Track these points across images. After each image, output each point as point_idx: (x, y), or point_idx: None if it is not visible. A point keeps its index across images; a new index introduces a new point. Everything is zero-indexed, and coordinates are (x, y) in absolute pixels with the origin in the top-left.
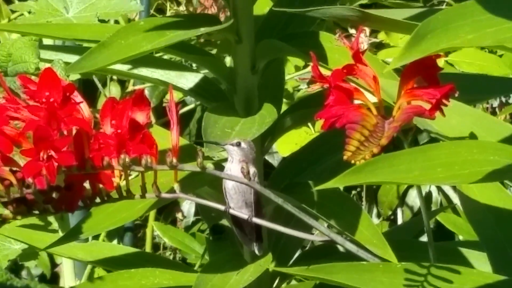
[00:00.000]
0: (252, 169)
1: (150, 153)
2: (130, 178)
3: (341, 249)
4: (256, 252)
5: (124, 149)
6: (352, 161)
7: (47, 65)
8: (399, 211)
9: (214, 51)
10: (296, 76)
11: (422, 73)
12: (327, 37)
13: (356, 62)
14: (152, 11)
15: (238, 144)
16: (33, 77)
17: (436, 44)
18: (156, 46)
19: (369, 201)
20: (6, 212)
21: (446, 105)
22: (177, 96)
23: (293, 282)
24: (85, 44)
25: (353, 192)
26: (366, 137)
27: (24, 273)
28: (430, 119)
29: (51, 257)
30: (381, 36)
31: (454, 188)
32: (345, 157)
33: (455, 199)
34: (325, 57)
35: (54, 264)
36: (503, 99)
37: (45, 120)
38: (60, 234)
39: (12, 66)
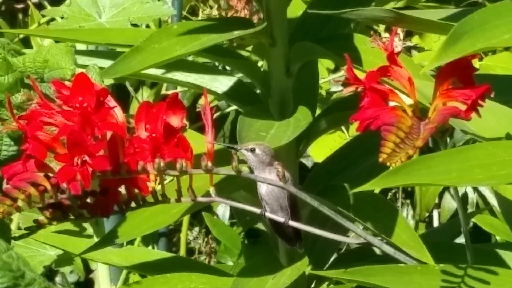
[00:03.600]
0: (286, 173)
1: (185, 157)
2: (165, 182)
3: (377, 251)
4: (298, 250)
5: (159, 153)
6: (388, 163)
7: (81, 70)
8: (435, 213)
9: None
10: (329, 79)
11: (458, 74)
12: (361, 39)
13: (390, 63)
14: (184, 13)
15: (253, 150)
16: (66, 82)
17: (472, 45)
18: (190, 50)
19: (405, 203)
20: (42, 217)
21: (481, 106)
22: (210, 99)
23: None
24: (118, 49)
25: (389, 194)
26: (401, 139)
27: (58, 279)
28: (466, 120)
29: (85, 263)
30: (415, 40)
31: (491, 189)
32: (380, 159)
33: (492, 200)
34: (359, 59)
35: (88, 270)
36: None
37: (79, 125)
38: (95, 239)
39: (48, 73)
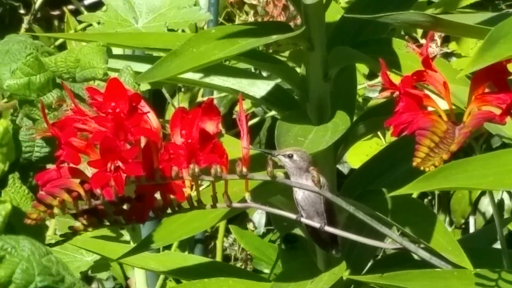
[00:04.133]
0: (322, 178)
1: (220, 162)
2: (201, 188)
3: (414, 257)
4: (335, 255)
5: (194, 159)
6: (422, 168)
7: (117, 74)
8: (471, 219)
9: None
10: (366, 84)
11: (493, 79)
12: (400, 44)
13: (426, 68)
14: (221, 20)
15: (290, 156)
16: (100, 87)
17: (509, 49)
18: (228, 54)
19: (441, 209)
20: (78, 224)
21: None
22: (246, 106)
23: None
24: (155, 54)
25: (425, 200)
26: (436, 143)
27: (94, 286)
28: (500, 124)
29: (123, 270)
30: (452, 46)
31: None
32: (414, 163)
33: None
34: (397, 63)
35: (125, 277)
36: None
37: (112, 130)
38: (132, 245)
39: (80, 72)
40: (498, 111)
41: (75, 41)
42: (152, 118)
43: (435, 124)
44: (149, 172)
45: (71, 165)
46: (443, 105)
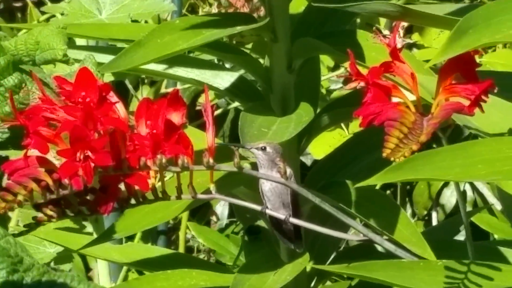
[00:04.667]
0: (288, 169)
1: (186, 153)
2: (165, 179)
3: (378, 249)
4: (296, 250)
5: (160, 150)
6: (392, 158)
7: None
8: (433, 211)
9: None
10: (330, 76)
11: (461, 70)
12: (364, 35)
13: (393, 59)
14: (184, 11)
15: (263, 149)
16: (65, 70)
17: (477, 39)
18: (192, 45)
19: (403, 201)
20: (41, 214)
21: (485, 101)
22: (209, 98)
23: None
24: (119, 44)
25: (388, 192)
26: (405, 134)
27: None
28: (469, 115)
29: (84, 261)
30: (415, 37)
31: (489, 187)
32: (384, 154)
33: (490, 199)
34: (362, 55)
35: (87, 269)
36: None
37: (82, 120)
38: (95, 236)
39: (40, 54)
40: (466, 102)
41: None
42: (120, 108)
43: (404, 115)
44: (116, 162)
45: (39, 154)
46: (410, 96)
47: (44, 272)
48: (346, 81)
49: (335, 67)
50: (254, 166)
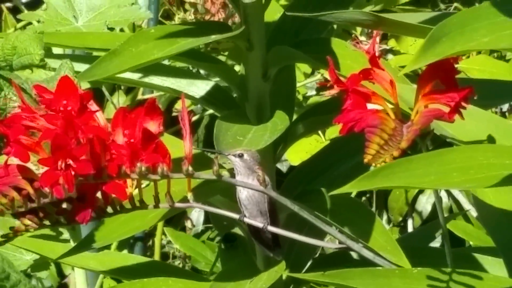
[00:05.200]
0: (266, 177)
1: (163, 162)
2: (142, 187)
3: (354, 256)
4: (276, 258)
5: (138, 158)
6: (373, 164)
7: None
8: (409, 218)
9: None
10: (306, 83)
11: (440, 77)
12: (339, 44)
13: (372, 66)
14: (159, 18)
15: (241, 156)
16: (43, 75)
17: (451, 47)
18: (167, 54)
19: (379, 207)
20: (18, 223)
21: (464, 108)
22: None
23: None
24: (95, 53)
25: (363, 198)
26: (385, 140)
27: (33, 283)
28: (449, 122)
29: (58, 268)
30: (392, 43)
31: (465, 194)
32: (365, 160)
33: (466, 205)
34: (337, 63)
35: (62, 275)
36: None
37: (63, 128)
38: (72, 244)
39: (17, 59)
40: (446, 109)
41: None
42: (100, 117)
43: (384, 122)
44: (96, 170)
45: (19, 163)
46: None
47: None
48: (320, 88)
49: (312, 73)
50: (231, 173)
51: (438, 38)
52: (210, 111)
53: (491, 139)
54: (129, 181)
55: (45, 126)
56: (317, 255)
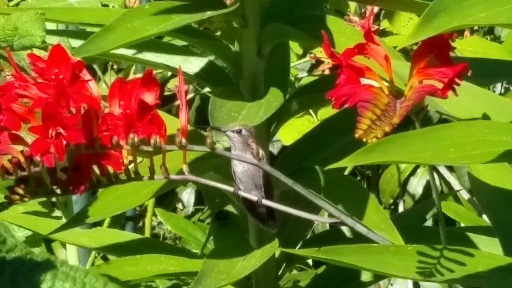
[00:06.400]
0: (261, 151)
1: (159, 133)
2: (137, 161)
3: (346, 235)
4: (271, 231)
5: (133, 129)
6: (364, 139)
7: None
8: (400, 200)
9: None
10: (298, 64)
11: (434, 53)
12: (334, 21)
13: (367, 41)
14: None
15: (239, 131)
16: (42, 54)
17: (448, 22)
18: (162, 30)
19: (370, 189)
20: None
21: (458, 84)
22: (174, 83)
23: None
24: (89, 29)
25: None
26: (378, 116)
27: None
28: (442, 98)
29: (49, 247)
30: (384, 24)
31: (456, 175)
32: (357, 135)
33: (457, 187)
34: (332, 40)
35: (52, 254)
36: (506, 85)
37: (54, 97)
38: (64, 220)
39: (18, 40)
40: (440, 85)
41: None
42: (93, 86)
43: (377, 97)
44: (88, 140)
45: (11, 131)
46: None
47: (27, 253)
48: (313, 69)
49: (304, 55)
50: (225, 149)
51: (436, 13)
52: (204, 90)
53: (487, 116)
54: (125, 153)
55: (38, 95)
56: (308, 235)
